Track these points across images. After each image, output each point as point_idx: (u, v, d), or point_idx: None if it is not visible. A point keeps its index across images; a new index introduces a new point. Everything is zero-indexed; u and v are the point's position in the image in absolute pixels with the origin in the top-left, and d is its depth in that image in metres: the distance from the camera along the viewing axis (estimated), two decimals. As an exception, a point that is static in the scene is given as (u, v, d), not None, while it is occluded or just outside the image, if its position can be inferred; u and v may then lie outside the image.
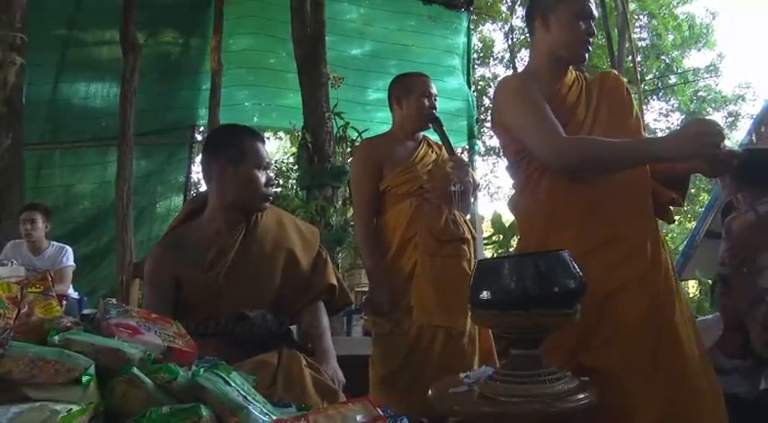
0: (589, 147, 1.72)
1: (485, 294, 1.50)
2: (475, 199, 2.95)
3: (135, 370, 0.96)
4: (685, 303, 1.77)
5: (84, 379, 0.90)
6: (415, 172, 2.67)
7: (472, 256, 2.66)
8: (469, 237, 2.66)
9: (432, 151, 2.77)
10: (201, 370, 1.05)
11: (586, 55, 1.88)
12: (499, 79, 2.94)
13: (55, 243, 4.84)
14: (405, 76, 2.85)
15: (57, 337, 0.96)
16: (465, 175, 2.55)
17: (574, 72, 1.94)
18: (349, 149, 5.01)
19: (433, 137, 2.93)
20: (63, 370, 0.89)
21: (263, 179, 1.94)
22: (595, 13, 1.86)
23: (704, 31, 17.48)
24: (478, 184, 3.01)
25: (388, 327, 2.61)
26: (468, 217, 2.88)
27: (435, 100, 2.77)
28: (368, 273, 2.73)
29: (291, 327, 2.09)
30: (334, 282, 2.08)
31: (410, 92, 2.75)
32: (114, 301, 1.28)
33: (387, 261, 2.66)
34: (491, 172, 17.24)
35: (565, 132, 1.77)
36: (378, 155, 2.73)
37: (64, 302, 4.31)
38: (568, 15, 1.85)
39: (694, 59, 16.25)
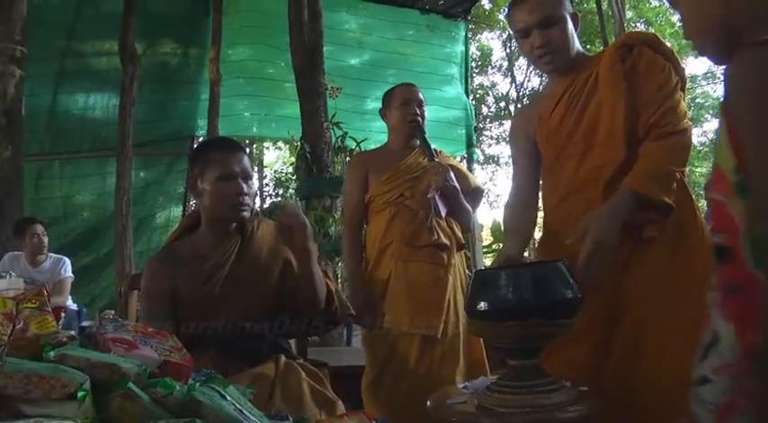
0: (504, 208, 2.01)
1: (482, 305, 1.49)
2: (476, 206, 2.91)
3: (131, 385, 0.96)
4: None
5: (80, 394, 0.90)
6: (398, 180, 2.68)
7: (455, 263, 2.64)
8: (449, 243, 2.62)
9: (424, 158, 2.74)
10: (197, 384, 1.04)
11: (550, 65, 1.84)
12: None
13: (53, 255, 4.85)
14: (390, 88, 2.87)
15: (52, 353, 0.95)
16: (443, 180, 2.54)
17: (574, 73, 1.86)
18: (348, 159, 5.02)
19: (442, 142, 2.93)
20: (58, 385, 0.88)
21: (230, 189, 1.90)
22: (534, 20, 1.77)
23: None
24: (477, 188, 2.94)
25: (369, 333, 2.63)
26: (472, 222, 2.87)
27: (420, 106, 2.75)
28: (347, 279, 2.76)
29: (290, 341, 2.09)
30: (330, 288, 2.06)
31: (391, 103, 2.77)
32: (111, 314, 1.28)
33: (368, 270, 2.68)
34: (490, 180, 17.26)
35: (551, 142, 1.86)
36: (366, 167, 2.77)
37: (63, 314, 4.31)
38: (515, 36, 1.91)
39: (692, 66, 16.32)
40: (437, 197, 2.56)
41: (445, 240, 2.60)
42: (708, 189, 1.00)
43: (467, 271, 2.77)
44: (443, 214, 2.59)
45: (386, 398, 2.50)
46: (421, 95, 2.78)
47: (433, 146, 2.73)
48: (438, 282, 2.54)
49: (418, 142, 2.75)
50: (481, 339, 2.63)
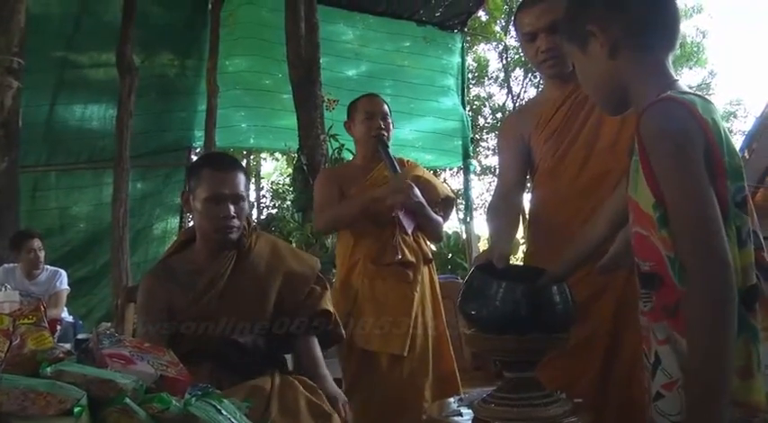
0: (488, 210, 1.96)
1: (481, 317, 1.49)
2: (447, 215, 2.87)
3: (127, 400, 0.96)
4: None
5: (76, 410, 0.90)
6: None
7: (423, 279, 2.62)
8: (414, 260, 2.59)
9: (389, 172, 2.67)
10: (194, 399, 1.05)
11: (553, 69, 1.86)
12: None
13: (49, 267, 4.83)
14: (353, 100, 2.81)
15: (49, 369, 0.96)
16: (405, 197, 2.51)
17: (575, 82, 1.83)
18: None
19: (417, 155, 2.90)
20: (54, 401, 0.89)
21: (218, 211, 1.88)
22: (542, 24, 1.80)
23: (695, 49, 17.63)
24: (447, 197, 2.85)
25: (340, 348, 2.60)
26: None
27: (384, 118, 2.69)
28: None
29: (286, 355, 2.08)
30: (329, 308, 2.06)
31: (354, 116, 2.73)
32: (109, 328, 1.28)
33: (338, 287, 2.66)
34: (487, 191, 17.24)
35: (551, 146, 1.85)
36: (338, 183, 2.72)
37: (58, 327, 4.29)
38: (520, 40, 1.92)
39: (686, 77, 16.37)
40: (402, 214, 2.53)
41: (411, 258, 2.58)
42: (631, 223, 1.17)
43: (437, 282, 2.75)
44: (410, 231, 2.57)
45: (359, 410, 2.49)
46: (385, 107, 2.73)
47: (397, 157, 2.69)
48: (404, 300, 2.53)
49: (383, 157, 2.68)
50: (452, 353, 2.64)
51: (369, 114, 2.68)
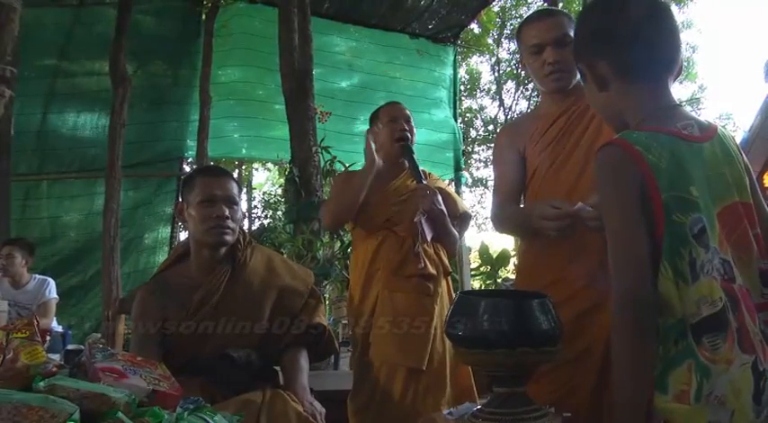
0: (496, 216, 1.99)
1: (469, 332, 1.50)
2: (462, 231, 2.87)
3: (120, 414, 0.97)
4: None
5: (69, 425, 0.91)
6: (385, 204, 2.61)
7: (443, 292, 2.58)
8: (435, 272, 2.56)
9: (412, 181, 2.65)
10: (186, 413, 1.05)
11: (558, 82, 1.87)
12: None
13: (37, 276, 4.77)
14: (376, 108, 2.81)
15: (42, 383, 0.96)
16: (430, 203, 2.49)
17: (573, 98, 1.89)
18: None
19: (430, 165, 2.88)
20: (47, 416, 0.89)
21: (211, 212, 1.91)
22: (551, 37, 1.83)
23: (686, 64, 17.81)
24: (465, 213, 2.84)
25: (355, 359, 2.59)
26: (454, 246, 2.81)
27: (407, 122, 2.69)
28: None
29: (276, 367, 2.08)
30: (323, 322, 2.07)
31: (378, 121, 2.72)
32: (99, 339, 1.29)
33: (354, 296, 2.62)
34: (478, 203, 17.29)
35: (548, 156, 1.87)
36: None
37: (48, 337, 4.26)
38: (525, 52, 1.92)
39: (677, 92, 16.47)
40: (423, 221, 2.49)
41: (432, 270, 2.54)
42: None
43: (453, 295, 2.72)
44: (429, 238, 2.53)
45: None
46: (408, 112, 2.73)
47: (421, 167, 2.66)
48: (424, 313, 2.48)
49: (407, 163, 2.67)
50: (469, 367, 2.58)
51: (392, 118, 2.69)
